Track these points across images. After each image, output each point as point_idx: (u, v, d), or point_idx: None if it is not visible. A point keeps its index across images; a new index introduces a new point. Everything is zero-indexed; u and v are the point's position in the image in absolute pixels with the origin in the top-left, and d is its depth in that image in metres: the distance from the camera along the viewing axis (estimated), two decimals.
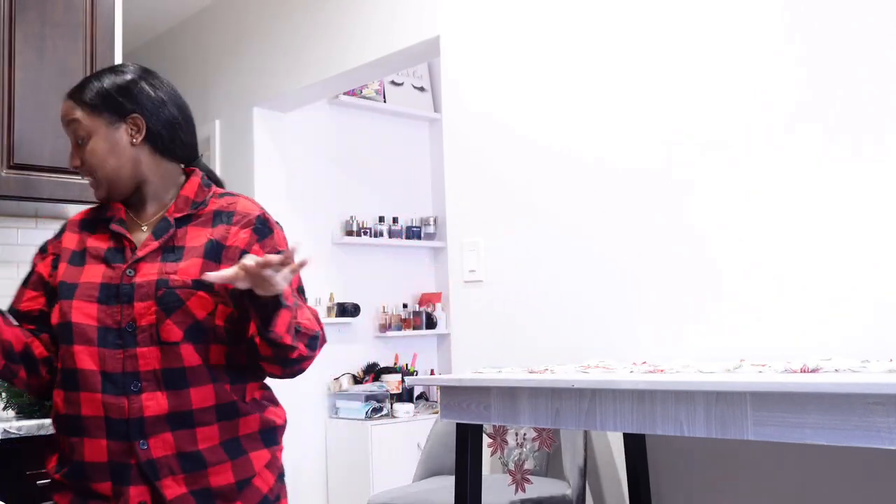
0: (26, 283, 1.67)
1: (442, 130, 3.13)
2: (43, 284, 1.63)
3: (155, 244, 1.57)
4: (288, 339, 1.48)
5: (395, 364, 4.97)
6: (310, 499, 4.48)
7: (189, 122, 1.76)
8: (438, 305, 5.15)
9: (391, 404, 4.59)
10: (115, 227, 1.60)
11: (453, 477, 2.22)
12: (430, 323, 5.09)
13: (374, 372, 4.82)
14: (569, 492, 2.45)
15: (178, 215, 1.61)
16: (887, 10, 2.03)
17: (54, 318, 1.56)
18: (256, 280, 1.39)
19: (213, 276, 1.40)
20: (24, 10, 2.40)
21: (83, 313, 1.52)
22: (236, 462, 1.54)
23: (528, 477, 2.25)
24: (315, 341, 1.55)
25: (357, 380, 4.78)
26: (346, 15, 3.50)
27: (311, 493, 4.49)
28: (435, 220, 5.18)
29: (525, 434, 2.35)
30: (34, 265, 1.67)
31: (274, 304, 1.44)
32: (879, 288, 2.01)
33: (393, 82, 5.13)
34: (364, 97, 4.96)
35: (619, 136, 2.54)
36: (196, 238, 1.58)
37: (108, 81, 1.65)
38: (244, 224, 1.61)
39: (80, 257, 1.59)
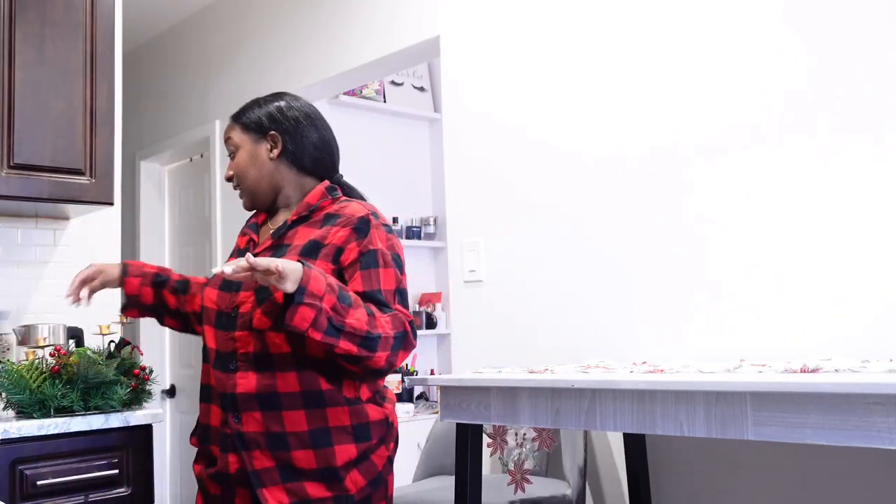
0: None
1: (442, 130, 3.13)
2: None
3: (268, 242, 1.81)
4: (317, 336, 1.59)
5: None
6: None
7: (325, 143, 1.93)
8: (438, 305, 5.15)
9: None
10: (246, 229, 1.90)
11: (453, 477, 2.22)
12: (430, 323, 5.09)
13: None
14: (569, 492, 2.45)
15: (295, 217, 1.82)
16: (887, 9, 2.03)
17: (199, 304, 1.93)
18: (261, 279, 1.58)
19: (224, 270, 1.59)
20: (24, 10, 2.40)
21: (209, 298, 1.81)
22: (319, 451, 1.68)
23: (528, 477, 2.25)
24: (371, 342, 1.63)
25: None
26: (346, 15, 3.50)
27: None
28: (435, 220, 5.18)
29: (525, 434, 2.35)
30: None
31: (288, 299, 1.58)
32: (879, 288, 2.01)
33: (393, 82, 5.13)
34: (364, 97, 4.96)
35: (619, 136, 2.54)
36: (303, 237, 1.77)
37: (262, 104, 1.93)
38: (346, 224, 1.76)
39: (232, 254, 1.91)
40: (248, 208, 1.90)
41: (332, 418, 1.69)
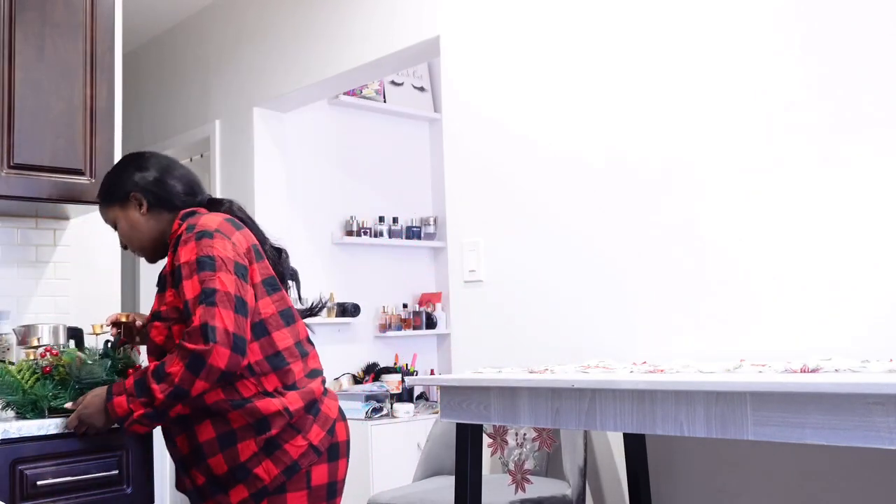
0: None
1: (442, 130, 3.13)
2: None
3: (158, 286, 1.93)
4: (155, 425, 1.87)
5: (395, 364, 4.97)
6: None
7: (186, 181, 2.03)
8: (438, 305, 5.15)
9: (391, 404, 4.59)
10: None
11: (453, 477, 2.22)
12: (430, 323, 5.09)
13: (374, 372, 4.82)
14: (569, 492, 2.45)
15: (169, 255, 1.90)
16: (888, 9, 2.03)
17: None
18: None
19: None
20: (24, 10, 2.40)
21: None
22: (226, 453, 1.79)
23: (528, 477, 2.25)
24: (180, 391, 1.76)
25: (357, 380, 4.78)
26: (346, 15, 3.50)
27: None
28: (435, 220, 5.17)
29: (525, 434, 2.35)
30: None
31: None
32: (879, 288, 2.01)
33: (393, 82, 5.13)
34: (364, 97, 4.96)
35: (619, 137, 2.54)
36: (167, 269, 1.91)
37: (114, 175, 2.02)
38: (172, 246, 1.88)
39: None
40: (152, 261, 2.03)
41: (233, 421, 1.79)
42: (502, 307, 2.83)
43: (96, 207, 2.60)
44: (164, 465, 4.62)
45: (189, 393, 1.74)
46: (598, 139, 2.59)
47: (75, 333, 2.55)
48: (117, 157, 2.70)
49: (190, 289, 1.75)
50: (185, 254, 1.79)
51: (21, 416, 2.05)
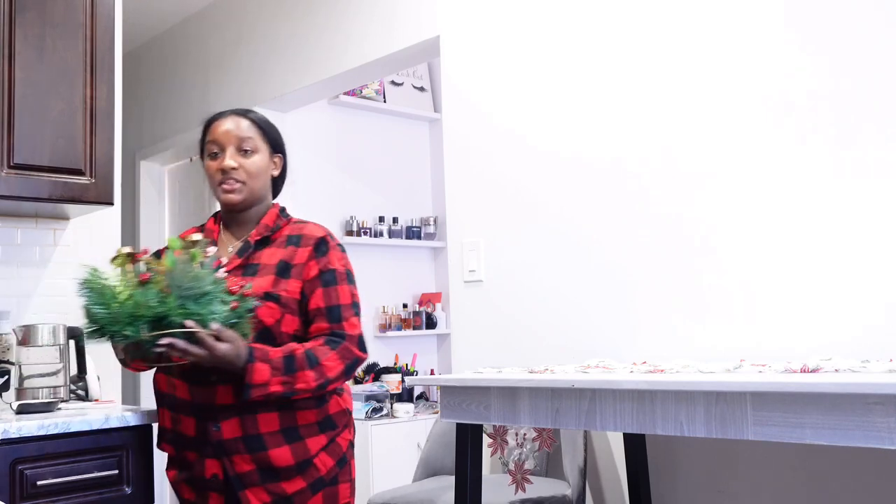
0: None
1: (442, 130, 3.13)
2: None
3: (238, 261, 1.92)
4: (271, 389, 1.78)
5: (395, 364, 4.97)
6: None
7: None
8: (438, 305, 5.15)
9: (391, 404, 4.59)
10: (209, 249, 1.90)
11: (453, 477, 2.22)
12: (430, 323, 5.09)
13: (374, 372, 4.82)
14: (569, 492, 2.45)
15: (258, 238, 1.95)
16: (890, 11, 2.03)
17: None
18: None
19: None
20: (24, 10, 2.40)
21: None
22: (293, 446, 1.83)
23: (528, 477, 2.25)
24: (321, 389, 1.85)
25: (357, 380, 4.78)
26: (346, 15, 3.50)
27: None
28: (435, 220, 5.18)
29: (525, 434, 2.35)
30: None
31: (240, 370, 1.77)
32: (879, 288, 2.01)
33: (393, 82, 5.13)
34: (364, 97, 4.96)
35: (618, 137, 2.54)
36: (271, 257, 1.92)
37: (273, 126, 2.07)
38: (307, 244, 1.94)
39: None
40: (236, 207, 1.97)
41: (300, 417, 1.86)
42: (502, 307, 2.83)
43: (96, 207, 2.61)
44: (163, 465, 4.63)
45: (327, 388, 1.85)
46: (599, 139, 2.59)
47: (75, 333, 2.55)
48: (117, 157, 2.70)
49: (345, 296, 1.93)
50: (336, 261, 1.94)
51: (111, 336, 1.70)
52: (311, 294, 1.90)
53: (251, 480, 1.82)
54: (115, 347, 1.80)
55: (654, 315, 2.42)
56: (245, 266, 1.92)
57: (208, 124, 2.01)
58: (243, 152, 1.95)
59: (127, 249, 1.78)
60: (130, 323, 1.67)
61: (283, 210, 2.06)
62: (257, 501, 1.82)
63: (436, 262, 5.26)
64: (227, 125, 1.97)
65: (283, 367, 1.80)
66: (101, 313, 1.67)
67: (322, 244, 1.94)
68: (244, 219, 2.00)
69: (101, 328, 1.69)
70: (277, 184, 2.10)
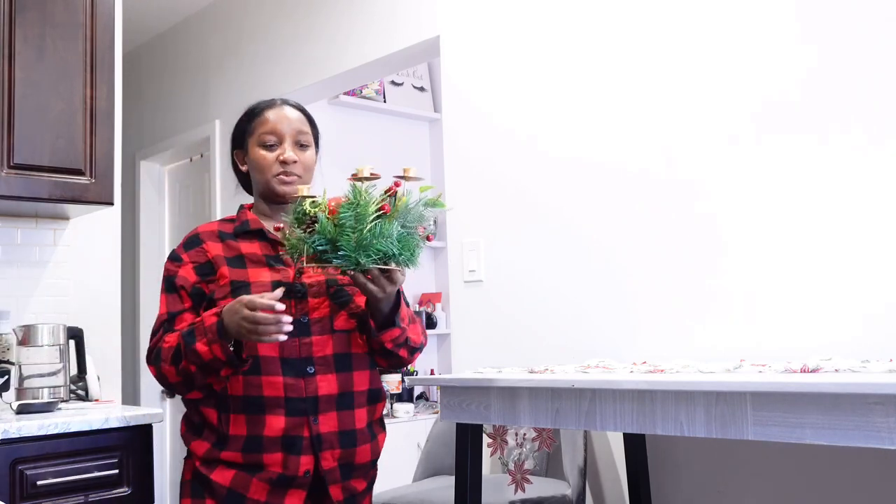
0: (181, 301, 1.81)
1: (442, 130, 3.13)
2: (188, 290, 1.81)
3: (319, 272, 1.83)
4: (390, 346, 1.78)
5: None
6: None
7: None
8: (438, 305, 5.15)
9: (391, 404, 4.59)
10: (272, 236, 1.83)
11: (453, 477, 2.22)
12: (430, 323, 5.09)
13: None
14: (569, 492, 2.45)
15: None
16: (892, 7, 2.03)
17: None
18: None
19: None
20: (24, 10, 2.40)
21: None
22: (373, 443, 1.84)
23: (528, 477, 2.25)
24: (416, 351, 1.86)
25: None
26: (346, 15, 3.50)
27: None
28: (435, 221, 5.17)
29: (525, 434, 2.35)
30: (172, 273, 1.83)
31: (389, 319, 1.76)
32: (879, 288, 2.01)
33: (393, 82, 5.13)
34: (364, 97, 4.96)
35: (618, 137, 2.54)
36: None
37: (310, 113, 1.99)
38: None
39: (238, 261, 1.81)
40: (290, 197, 1.82)
41: (377, 412, 1.86)
42: (502, 307, 2.83)
43: (96, 207, 2.61)
44: (163, 465, 4.63)
45: (415, 355, 1.86)
46: (599, 139, 2.59)
47: (75, 333, 2.55)
48: (117, 157, 2.71)
49: None
50: None
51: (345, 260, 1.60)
52: None
53: (334, 477, 1.77)
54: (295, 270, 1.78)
55: (654, 315, 2.42)
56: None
57: (258, 111, 1.91)
58: (300, 146, 1.90)
59: (369, 169, 1.66)
60: (366, 250, 1.57)
61: None
62: (340, 497, 1.78)
63: (436, 262, 5.25)
64: (286, 115, 1.90)
65: (407, 315, 1.82)
66: (349, 235, 1.56)
67: None
68: (285, 211, 1.80)
69: (337, 248, 1.57)
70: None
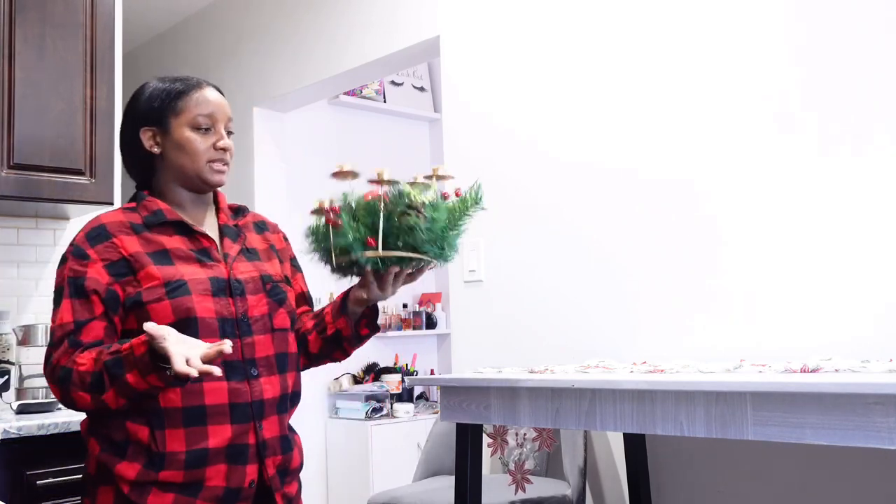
0: (91, 308, 1.56)
1: (442, 130, 3.13)
2: (101, 295, 1.57)
3: (237, 246, 1.71)
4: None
5: (395, 364, 4.98)
6: (310, 498, 4.47)
7: None
8: (438, 305, 5.15)
9: (391, 404, 4.59)
10: (198, 229, 1.67)
11: (453, 477, 2.22)
12: (430, 323, 5.09)
13: (373, 372, 4.82)
14: (569, 492, 2.45)
15: (232, 223, 1.75)
16: (892, 7, 2.03)
17: (166, 315, 1.55)
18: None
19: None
20: (24, 10, 2.40)
21: (203, 307, 1.59)
22: (298, 447, 1.73)
23: (528, 477, 2.25)
24: None
25: (357, 380, 4.79)
26: (346, 15, 3.50)
27: (311, 493, 4.49)
28: None
29: (525, 434, 2.36)
30: (79, 274, 1.58)
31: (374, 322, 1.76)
32: (879, 288, 2.01)
33: (393, 82, 5.13)
34: (364, 97, 4.96)
35: (619, 137, 2.54)
36: (257, 243, 1.77)
37: None
38: (274, 230, 1.85)
39: (163, 257, 1.61)
40: (218, 186, 1.72)
41: (292, 413, 1.73)
42: (502, 307, 2.83)
43: (96, 207, 2.61)
44: None
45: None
46: (599, 139, 2.59)
47: None
48: (117, 157, 2.71)
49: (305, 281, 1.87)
50: (291, 247, 1.88)
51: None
52: (293, 279, 1.81)
53: (276, 485, 1.63)
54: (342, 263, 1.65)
55: (654, 315, 2.42)
56: (244, 251, 1.71)
57: (187, 90, 1.68)
58: (228, 134, 1.70)
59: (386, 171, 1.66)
60: (437, 242, 1.63)
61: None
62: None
63: None
64: (220, 99, 1.71)
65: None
66: (455, 233, 1.66)
67: (281, 230, 1.89)
68: (201, 201, 1.72)
69: (434, 245, 1.62)
70: None
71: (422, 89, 5.30)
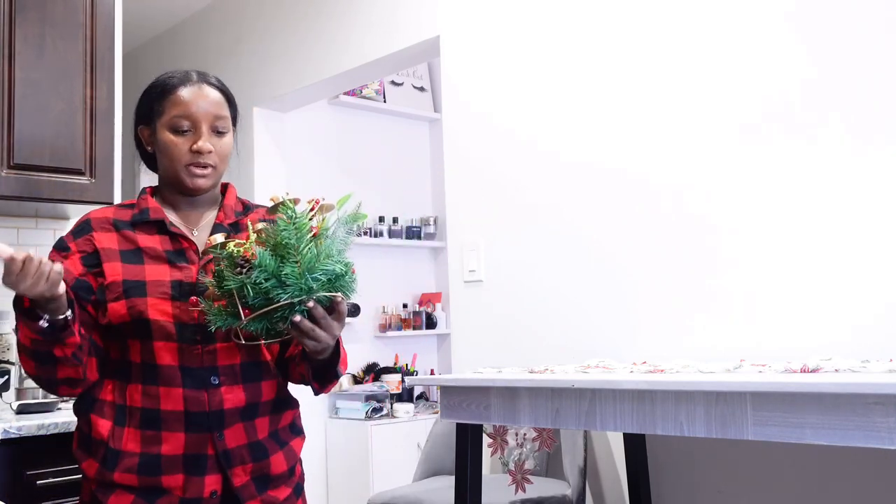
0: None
1: (442, 130, 3.13)
2: (72, 284, 1.56)
3: None
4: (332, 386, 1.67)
5: (395, 364, 4.97)
6: (310, 499, 4.47)
7: None
8: (438, 305, 5.15)
9: (391, 404, 4.59)
10: (174, 229, 1.63)
11: (453, 477, 2.22)
12: (430, 323, 5.09)
13: (374, 372, 4.82)
14: (569, 492, 2.45)
15: (229, 222, 1.68)
16: (889, 11, 2.03)
17: (118, 315, 1.56)
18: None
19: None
20: (24, 10, 2.40)
21: (159, 310, 1.55)
22: (286, 450, 1.67)
23: (528, 477, 2.25)
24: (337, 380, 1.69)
25: (357, 380, 4.79)
26: (346, 15, 3.50)
27: (311, 493, 4.47)
28: (435, 220, 5.18)
29: (525, 434, 2.36)
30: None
31: (331, 370, 1.62)
32: (879, 288, 2.01)
33: (393, 82, 5.13)
34: (364, 97, 4.96)
35: (618, 137, 2.54)
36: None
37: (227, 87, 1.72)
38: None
39: (134, 256, 1.60)
40: (204, 191, 1.65)
41: (283, 420, 1.68)
42: (502, 307, 2.83)
43: (96, 207, 2.61)
44: None
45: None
46: (599, 139, 2.59)
47: None
48: (117, 157, 2.71)
49: None
50: None
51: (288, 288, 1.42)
52: None
53: (249, 493, 1.60)
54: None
55: (654, 315, 2.42)
56: None
57: (171, 88, 1.63)
58: (217, 133, 1.63)
59: (280, 196, 1.46)
60: (312, 272, 1.39)
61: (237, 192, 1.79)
62: None
63: (436, 262, 5.26)
64: (204, 96, 1.63)
65: (344, 356, 1.64)
66: (292, 268, 1.38)
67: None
68: (199, 201, 1.68)
69: (285, 287, 1.39)
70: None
71: (422, 89, 5.30)
